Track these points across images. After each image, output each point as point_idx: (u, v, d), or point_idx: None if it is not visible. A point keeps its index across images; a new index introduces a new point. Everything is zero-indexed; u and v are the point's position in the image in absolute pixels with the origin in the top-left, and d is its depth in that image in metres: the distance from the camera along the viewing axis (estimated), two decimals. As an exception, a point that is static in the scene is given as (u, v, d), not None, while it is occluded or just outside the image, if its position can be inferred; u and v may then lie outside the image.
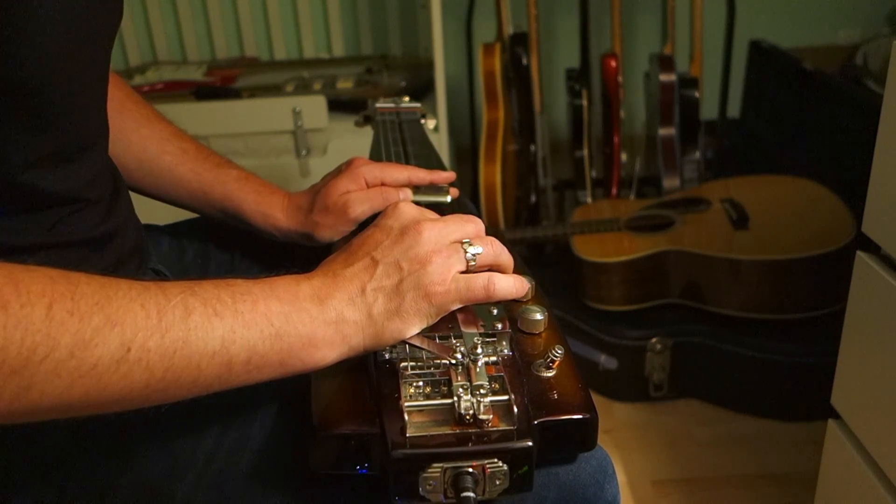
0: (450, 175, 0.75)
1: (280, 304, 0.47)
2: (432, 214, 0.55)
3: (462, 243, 0.52)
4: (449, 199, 0.74)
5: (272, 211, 0.73)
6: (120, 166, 0.71)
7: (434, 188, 0.74)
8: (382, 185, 0.72)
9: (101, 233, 0.60)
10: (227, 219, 0.76)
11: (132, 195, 0.72)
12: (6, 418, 0.40)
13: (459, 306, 0.52)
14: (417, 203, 0.71)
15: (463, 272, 0.52)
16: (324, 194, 0.71)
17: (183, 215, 0.82)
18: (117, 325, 0.41)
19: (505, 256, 0.55)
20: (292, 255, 0.77)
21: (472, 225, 0.54)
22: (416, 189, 0.73)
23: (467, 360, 0.49)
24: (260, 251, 0.79)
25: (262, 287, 0.47)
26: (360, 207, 0.70)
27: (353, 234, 0.73)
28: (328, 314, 0.48)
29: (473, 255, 0.52)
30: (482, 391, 0.47)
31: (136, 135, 0.73)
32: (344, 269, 0.50)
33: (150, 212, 0.76)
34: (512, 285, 0.53)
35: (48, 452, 0.54)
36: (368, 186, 0.72)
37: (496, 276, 0.52)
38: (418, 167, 0.75)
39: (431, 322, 0.51)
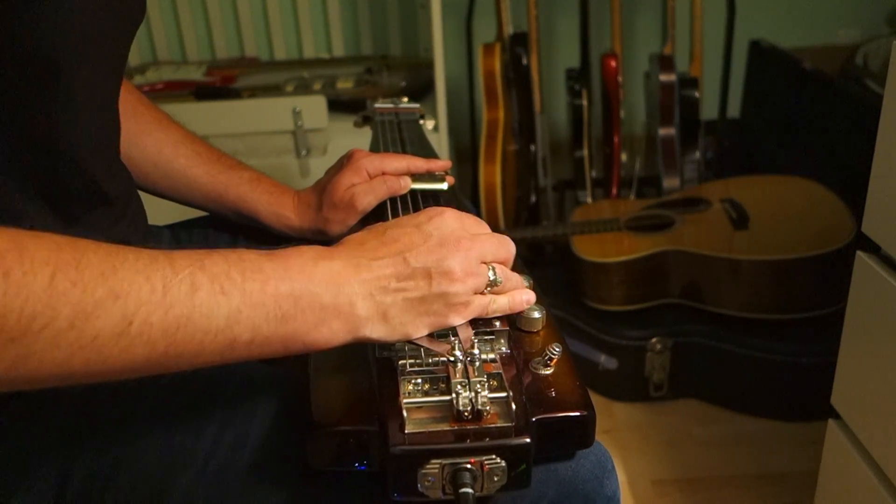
0: (446, 163, 0.77)
1: (291, 285, 0.46)
2: (473, 226, 0.55)
3: (487, 265, 0.53)
4: (445, 185, 0.76)
5: (284, 211, 0.76)
6: (137, 169, 0.73)
7: (431, 176, 0.77)
8: (383, 174, 0.74)
9: (112, 234, 0.60)
10: (241, 219, 0.78)
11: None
12: (6, 385, 0.39)
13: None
14: (415, 190, 0.74)
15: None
16: (330, 191, 0.73)
17: (187, 214, 0.83)
18: (120, 297, 0.40)
19: (512, 286, 0.56)
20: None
21: (504, 250, 0.55)
22: (415, 177, 0.76)
23: (465, 357, 0.49)
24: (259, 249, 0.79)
25: (274, 265, 0.47)
26: (366, 199, 0.73)
27: (362, 223, 0.74)
28: (340, 302, 0.47)
29: (493, 279, 0.53)
30: (480, 388, 0.47)
31: (151, 138, 0.75)
32: (370, 261, 0.50)
33: (151, 212, 0.76)
34: (506, 305, 0.55)
35: (49, 450, 0.54)
36: (370, 177, 0.74)
37: (497, 298, 0.54)
38: (416, 156, 0.78)
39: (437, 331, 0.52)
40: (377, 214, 0.73)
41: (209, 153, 0.77)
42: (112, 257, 0.41)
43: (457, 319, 0.51)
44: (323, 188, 0.75)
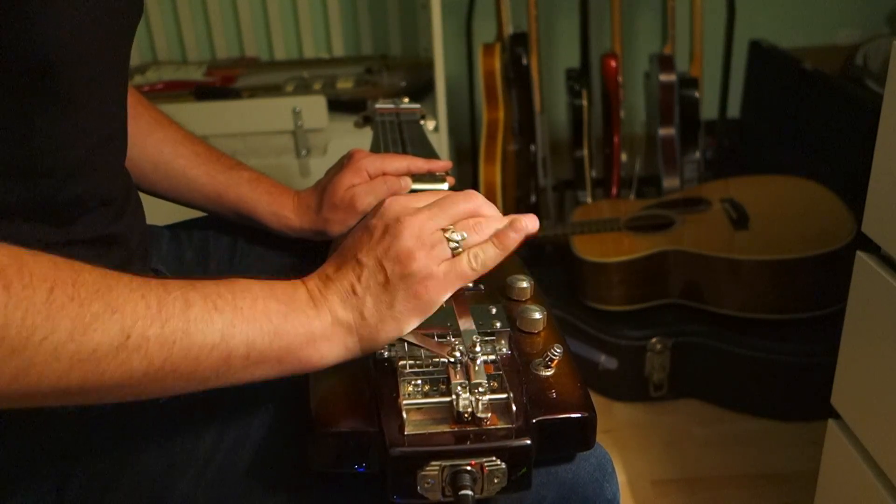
0: (447, 164, 0.77)
1: (279, 303, 0.47)
2: (419, 200, 0.53)
3: (445, 231, 0.51)
4: (446, 186, 0.76)
5: (284, 211, 0.76)
6: (136, 169, 0.73)
7: (432, 176, 0.77)
8: (384, 175, 0.74)
9: (110, 233, 0.60)
10: (241, 220, 0.77)
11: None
12: (5, 401, 0.40)
13: (451, 293, 0.51)
14: (416, 191, 0.74)
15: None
16: (330, 191, 0.73)
17: (186, 215, 0.82)
18: (117, 311, 0.41)
19: (487, 216, 0.53)
20: (291, 253, 0.78)
21: (467, 205, 0.52)
22: (415, 177, 0.76)
23: (466, 358, 0.49)
24: (259, 251, 0.79)
25: (261, 286, 0.48)
26: (366, 199, 0.72)
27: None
28: (323, 315, 0.48)
29: (458, 241, 0.50)
30: (480, 389, 0.47)
31: (151, 138, 0.75)
32: (335, 272, 0.51)
33: (151, 212, 0.76)
34: (494, 251, 0.52)
35: (49, 451, 0.54)
36: (371, 178, 0.74)
37: (475, 250, 0.51)
38: (416, 156, 0.78)
39: (427, 316, 0.50)
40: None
41: (208, 153, 0.77)
42: (107, 277, 0.42)
43: (434, 294, 0.49)
44: (323, 188, 0.75)
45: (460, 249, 0.51)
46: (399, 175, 0.75)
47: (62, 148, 0.53)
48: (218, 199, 0.76)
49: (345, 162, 0.75)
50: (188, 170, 0.76)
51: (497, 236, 0.52)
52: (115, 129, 0.61)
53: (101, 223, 0.60)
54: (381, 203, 0.53)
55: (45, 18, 0.47)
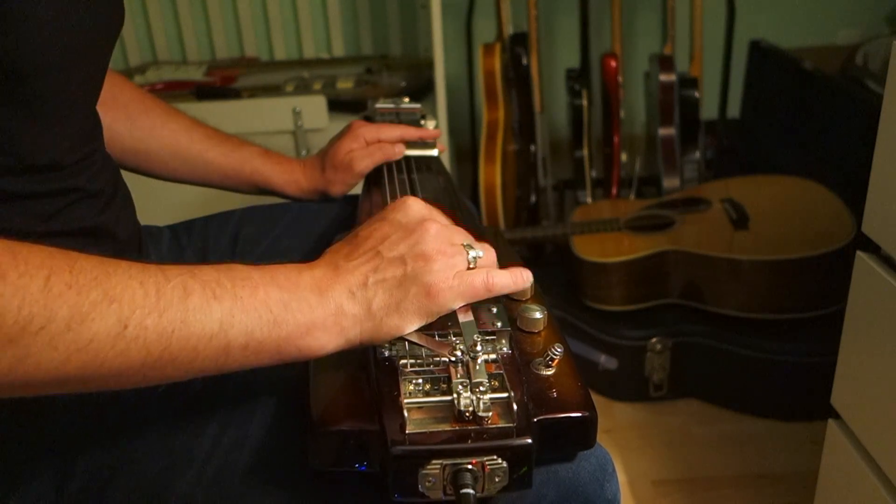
0: (436, 132, 0.87)
1: (280, 291, 0.47)
2: (439, 216, 0.55)
3: (464, 245, 0.53)
4: (436, 152, 0.85)
5: (295, 177, 0.85)
6: (156, 158, 0.80)
7: (423, 143, 0.86)
8: (379, 141, 0.83)
9: (97, 224, 0.61)
10: (257, 191, 0.86)
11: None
12: (3, 390, 0.40)
13: (460, 305, 0.52)
14: (408, 156, 0.84)
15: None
16: (331, 155, 0.83)
17: (187, 215, 0.83)
18: (115, 301, 0.41)
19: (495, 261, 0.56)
20: (291, 257, 0.78)
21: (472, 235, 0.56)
22: (408, 145, 0.85)
23: (467, 357, 0.49)
24: (259, 251, 0.79)
25: (262, 274, 0.48)
26: (364, 162, 0.82)
27: (359, 223, 0.75)
28: (327, 305, 0.48)
29: (474, 257, 0.53)
30: (482, 388, 0.47)
31: (166, 129, 0.80)
32: (347, 262, 0.51)
33: (151, 212, 0.77)
34: (510, 279, 0.54)
35: (48, 449, 0.54)
36: (368, 144, 0.83)
37: (494, 271, 0.53)
38: (408, 125, 0.87)
39: (430, 320, 0.51)
40: (376, 179, 0.82)
41: (217, 135, 0.84)
42: (104, 264, 0.42)
43: (443, 300, 0.51)
44: (325, 154, 0.84)
45: (474, 266, 0.53)
46: (393, 142, 0.83)
47: (37, 150, 0.53)
48: (236, 176, 0.83)
49: (344, 131, 0.84)
50: (204, 153, 0.82)
51: (512, 272, 0.55)
52: (90, 128, 0.61)
53: (87, 215, 0.60)
54: (402, 200, 0.55)
55: (18, 29, 0.47)
